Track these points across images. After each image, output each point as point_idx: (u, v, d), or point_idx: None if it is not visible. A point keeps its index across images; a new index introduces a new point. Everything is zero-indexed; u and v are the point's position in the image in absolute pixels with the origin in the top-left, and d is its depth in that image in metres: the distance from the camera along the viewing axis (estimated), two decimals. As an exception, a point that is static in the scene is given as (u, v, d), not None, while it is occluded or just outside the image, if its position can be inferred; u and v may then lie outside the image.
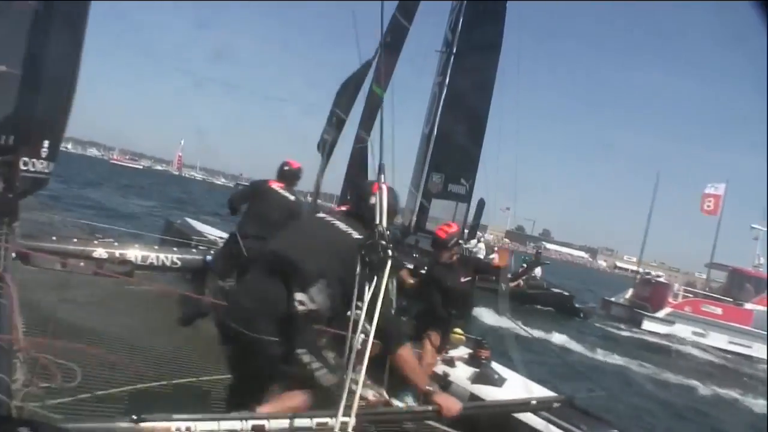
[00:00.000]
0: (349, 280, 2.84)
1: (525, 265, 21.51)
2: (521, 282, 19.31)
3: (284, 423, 2.75)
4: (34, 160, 6.49)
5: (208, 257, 7.83)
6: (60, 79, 6.62)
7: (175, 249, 7.91)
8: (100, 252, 7.11)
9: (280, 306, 2.97)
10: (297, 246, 3.19)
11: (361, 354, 2.67)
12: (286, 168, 6.79)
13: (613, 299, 25.97)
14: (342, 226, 3.24)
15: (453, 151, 15.54)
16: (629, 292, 25.89)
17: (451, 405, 3.15)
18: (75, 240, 7.22)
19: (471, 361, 5.42)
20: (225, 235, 9.26)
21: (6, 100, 6.34)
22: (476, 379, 5.13)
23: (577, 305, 22.90)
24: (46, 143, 6.60)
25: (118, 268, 6.91)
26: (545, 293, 21.85)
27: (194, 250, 8.11)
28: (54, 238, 7.20)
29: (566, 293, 22.89)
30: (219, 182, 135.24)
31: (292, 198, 6.63)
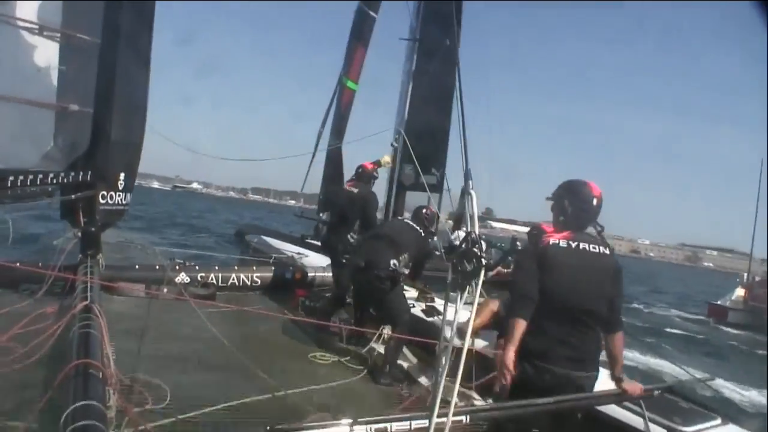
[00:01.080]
0: (416, 254, 6.08)
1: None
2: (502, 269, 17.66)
3: (405, 425, 2.87)
4: (111, 192, 6.69)
5: (287, 273, 7.90)
6: (131, 113, 6.80)
7: (254, 268, 8.01)
8: (182, 277, 7.26)
9: (383, 264, 5.68)
10: (392, 233, 6.11)
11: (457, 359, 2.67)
12: (359, 170, 7.62)
13: (727, 304, 22.77)
14: (412, 223, 6.34)
15: (422, 140, 14.78)
16: (737, 293, 23.09)
17: (635, 388, 3.68)
18: (157, 267, 7.38)
19: None
20: (301, 250, 9.36)
21: (80, 137, 6.57)
22: None
23: None
24: (122, 176, 6.79)
25: (200, 291, 7.01)
26: None
27: (273, 267, 8.18)
28: (137, 266, 7.39)
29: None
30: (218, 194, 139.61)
31: (356, 191, 7.41)
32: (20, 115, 6.41)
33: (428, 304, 6.59)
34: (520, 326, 3.31)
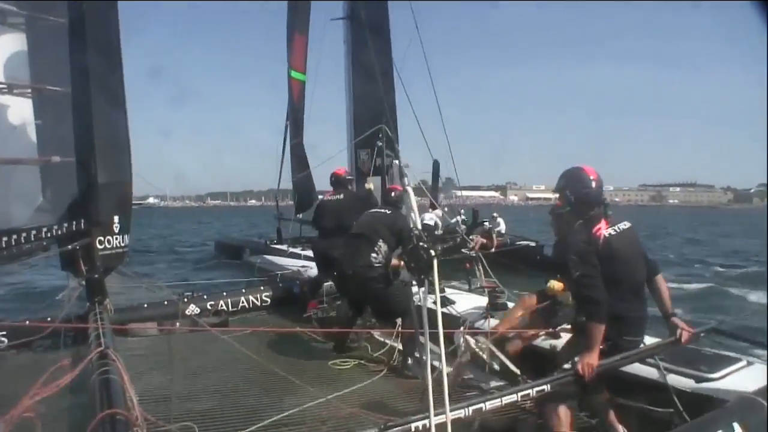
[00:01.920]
0: (392, 239, 5.75)
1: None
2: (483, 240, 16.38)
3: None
4: (108, 237, 6.66)
5: (295, 288, 7.90)
6: (115, 153, 6.76)
7: (262, 288, 8.00)
8: (191, 309, 7.25)
9: (363, 263, 5.64)
10: (360, 230, 5.94)
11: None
12: (333, 179, 7.83)
13: None
14: (382, 210, 6.21)
15: (371, 122, 14.06)
16: None
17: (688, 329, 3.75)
18: (166, 303, 7.36)
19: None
20: (305, 263, 9.36)
21: (68, 187, 6.54)
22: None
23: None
24: (116, 218, 6.76)
25: (212, 319, 6.99)
26: (512, 250, 16.99)
27: (280, 284, 8.17)
28: (146, 305, 7.37)
29: (531, 243, 18.76)
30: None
31: (341, 197, 7.60)
32: (5, 175, 6.40)
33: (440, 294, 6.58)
34: (601, 331, 3.50)
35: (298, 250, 13.56)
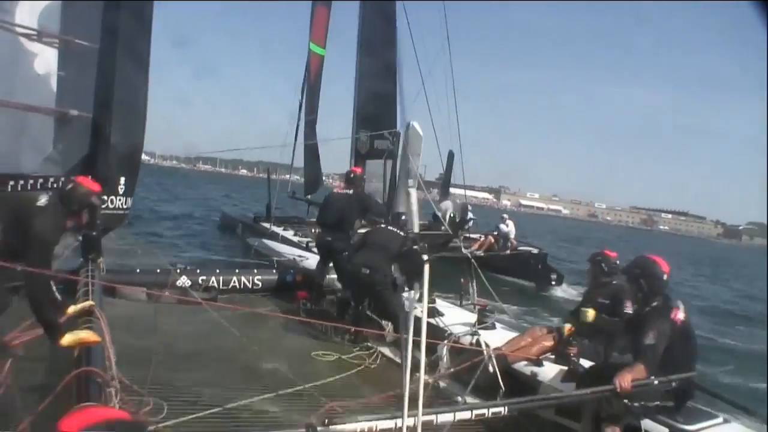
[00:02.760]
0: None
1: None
2: (490, 239, 16.23)
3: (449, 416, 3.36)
4: (112, 197, 6.69)
5: (288, 276, 7.92)
6: (131, 116, 6.79)
7: (255, 271, 8.01)
8: (183, 280, 7.27)
9: (384, 272, 6.24)
10: (384, 242, 6.55)
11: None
12: (350, 175, 8.12)
13: None
14: (394, 229, 6.71)
15: (374, 103, 13.51)
16: None
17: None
18: (158, 270, 7.38)
19: (559, 359, 5.18)
20: (303, 253, 9.35)
21: (81, 142, 6.57)
22: (567, 378, 4.89)
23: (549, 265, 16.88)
24: (122, 180, 6.79)
25: (202, 294, 7.01)
26: (515, 254, 16.46)
27: (274, 270, 8.18)
28: (138, 270, 7.40)
29: (534, 250, 17.25)
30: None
31: (351, 192, 7.81)
32: (20, 121, 6.42)
33: (429, 305, 6.58)
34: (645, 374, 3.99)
35: (279, 230, 13.25)
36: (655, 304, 4.26)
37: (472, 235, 15.96)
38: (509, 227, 17.29)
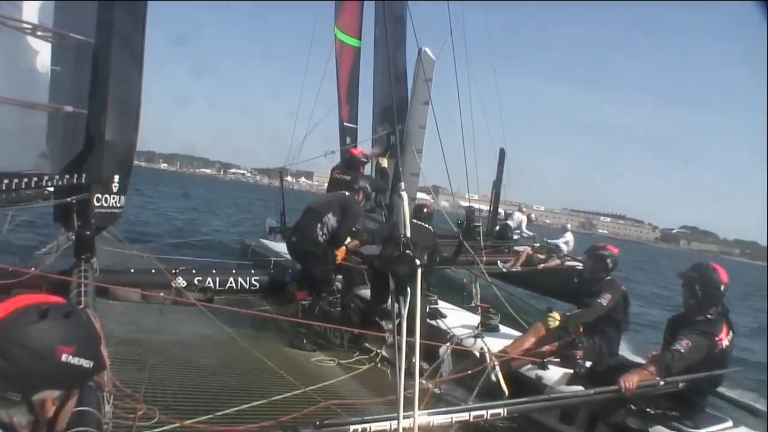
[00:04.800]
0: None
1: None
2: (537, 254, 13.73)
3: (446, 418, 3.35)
4: (106, 195, 6.54)
5: (288, 277, 7.77)
6: (125, 113, 6.65)
7: (252, 271, 7.87)
8: (178, 281, 7.12)
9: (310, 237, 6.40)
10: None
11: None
12: (347, 156, 8.33)
13: None
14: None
15: (387, 94, 11.92)
16: None
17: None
18: (153, 271, 7.23)
19: (564, 362, 5.06)
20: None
21: (73, 138, 6.42)
22: (572, 381, 4.78)
23: None
24: (116, 178, 6.64)
25: (198, 295, 6.87)
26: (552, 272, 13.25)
27: (272, 271, 8.04)
28: (132, 270, 7.25)
29: (579, 265, 12.49)
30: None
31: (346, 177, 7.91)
32: (12, 117, 6.27)
33: (432, 306, 6.47)
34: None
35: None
36: (709, 316, 4.06)
37: (518, 248, 14.47)
38: (565, 238, 15.24)
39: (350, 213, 6.61)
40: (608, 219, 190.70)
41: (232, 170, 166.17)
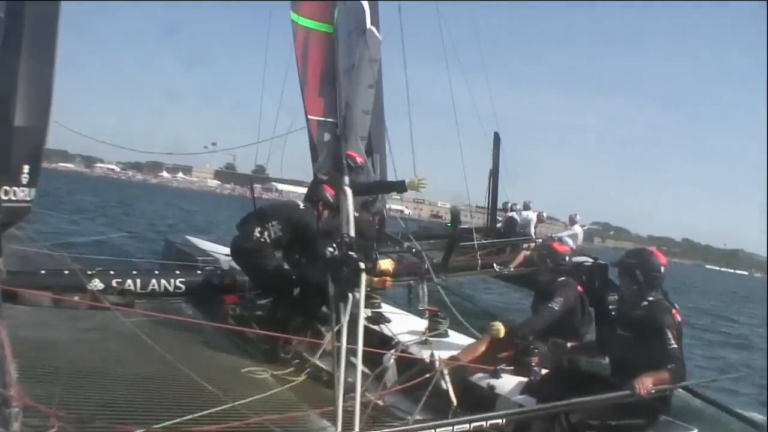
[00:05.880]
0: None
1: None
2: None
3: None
4: (15, 188, 5.94)
5: (216, 278, 7.24)
6: (35, 100, 6.08)
7: (177, 272, 7.33)
8: (95, 283, 6.54)
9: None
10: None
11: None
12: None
13: None
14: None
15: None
16: None
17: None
18: (66, 272, 6.62)
19: (519, 370, 4.84)
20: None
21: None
22: (527, 390, 4.56)
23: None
24: (26, 168, 6.04)
25: (116, 299, 6.34)
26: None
27: (199, 272, 7.51)
28: (43, 271, 6.62)
29: (588, 260, 11.52)
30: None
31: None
32: None
33: (375, 311, 6.17)
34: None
35: None
36: (652, 299, 4.04)
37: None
38: (572, 231, 13.80)
39: (304, 229, 6.17)
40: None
41: (99, 165, 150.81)
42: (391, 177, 10.24)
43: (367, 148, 10.20)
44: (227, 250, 8.58)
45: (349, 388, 3.65)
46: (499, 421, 3.55)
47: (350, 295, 2.77)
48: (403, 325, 5.94)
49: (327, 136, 10.00)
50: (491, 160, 13.31)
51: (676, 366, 3.79)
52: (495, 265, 11.51)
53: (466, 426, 3.30)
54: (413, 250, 8.45)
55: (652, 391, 3.69)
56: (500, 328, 4.94)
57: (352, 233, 2.91)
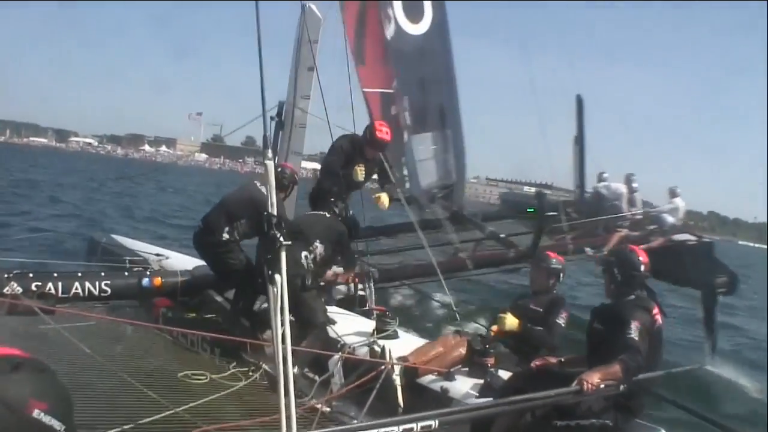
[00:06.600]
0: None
1: None
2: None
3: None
4: None
5: (145, 280, 6.78)
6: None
7: (103, 274, 6.87)
8: (12, 287, 6.03)
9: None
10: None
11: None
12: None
13: None
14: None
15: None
16: None
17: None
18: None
19: (474, 370, 4.69)
20: (162, 251, 8.15)
21: None
22: (483, 392, 4.40)
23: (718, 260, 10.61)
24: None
25: (36, 303, 5.86)
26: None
27: (126, 273, 7.05)
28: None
29: (692, 238, 10.93)
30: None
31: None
32: None
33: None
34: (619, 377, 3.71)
35: None
36: (632, 297, 3.98)
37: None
38: (673, 204, 11.79)
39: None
40: (532, 189, 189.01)
41: (74, 138, 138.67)
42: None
43: (438, 122, 10.14)
44: (157, 249, 8.18)
45: (297, 394, 3.45)
46: (432, 422, 3.21)
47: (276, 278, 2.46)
48: (350, 326, 5.72)
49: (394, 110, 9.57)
50: (575, 127, 11.92)
51: (629, 357, 3.62)
52: (587, 249, 10.13)
53: (395, 428, 3.08)
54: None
55: (601, 386, 3.60)
56: (512, 322, 4.72)
57: (275, 210, 2.65)
